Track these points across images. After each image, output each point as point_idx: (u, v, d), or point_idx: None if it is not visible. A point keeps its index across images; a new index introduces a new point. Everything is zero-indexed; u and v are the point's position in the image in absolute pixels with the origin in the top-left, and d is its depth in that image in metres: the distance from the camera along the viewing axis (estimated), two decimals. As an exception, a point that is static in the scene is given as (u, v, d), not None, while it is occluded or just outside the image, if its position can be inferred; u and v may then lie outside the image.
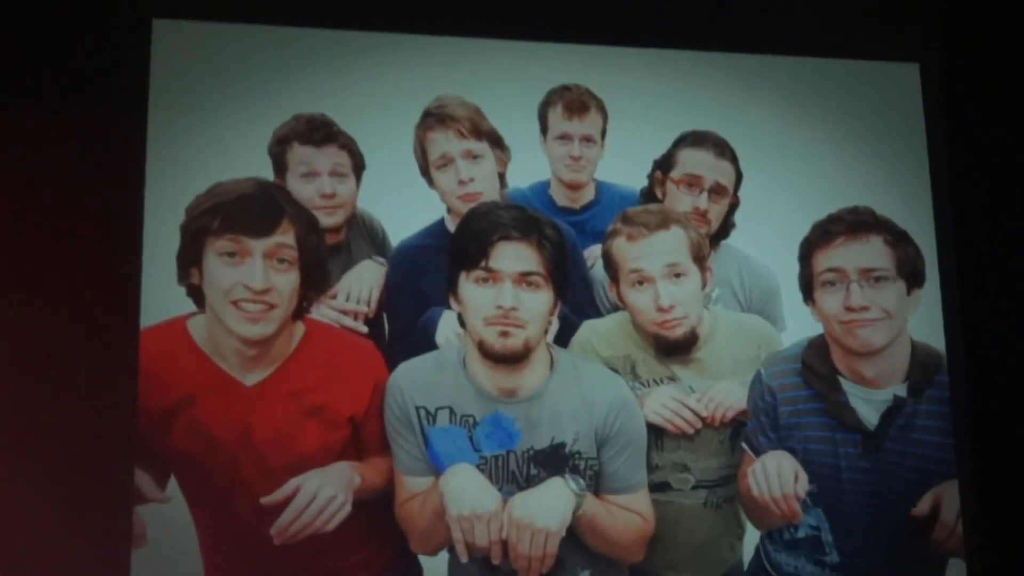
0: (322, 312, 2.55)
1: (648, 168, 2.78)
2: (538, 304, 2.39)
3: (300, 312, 2.43)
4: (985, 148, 2.99)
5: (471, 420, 2.44)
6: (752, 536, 2.64)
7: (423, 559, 2.52)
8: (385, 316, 2.65)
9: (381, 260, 2.67)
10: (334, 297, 2.59)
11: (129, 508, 2.40)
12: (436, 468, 2.42)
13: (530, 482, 2.43)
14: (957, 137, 2.93)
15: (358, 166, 2.66)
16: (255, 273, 2.34)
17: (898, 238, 2.56)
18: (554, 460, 2.44)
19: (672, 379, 2.58)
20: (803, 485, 2.49)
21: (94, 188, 2.66)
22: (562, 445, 2.44)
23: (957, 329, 2.76)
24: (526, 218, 2.41)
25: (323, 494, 2.35)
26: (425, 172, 2.68)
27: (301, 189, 2.58)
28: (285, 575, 2.42)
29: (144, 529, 2.41)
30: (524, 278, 2.37)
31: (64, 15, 2.73)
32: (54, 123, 2.70)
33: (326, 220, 2.57)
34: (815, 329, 2.58)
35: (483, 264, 2.37)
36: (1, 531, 2.52)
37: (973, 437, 2.70)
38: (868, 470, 2.52)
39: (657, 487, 2.55)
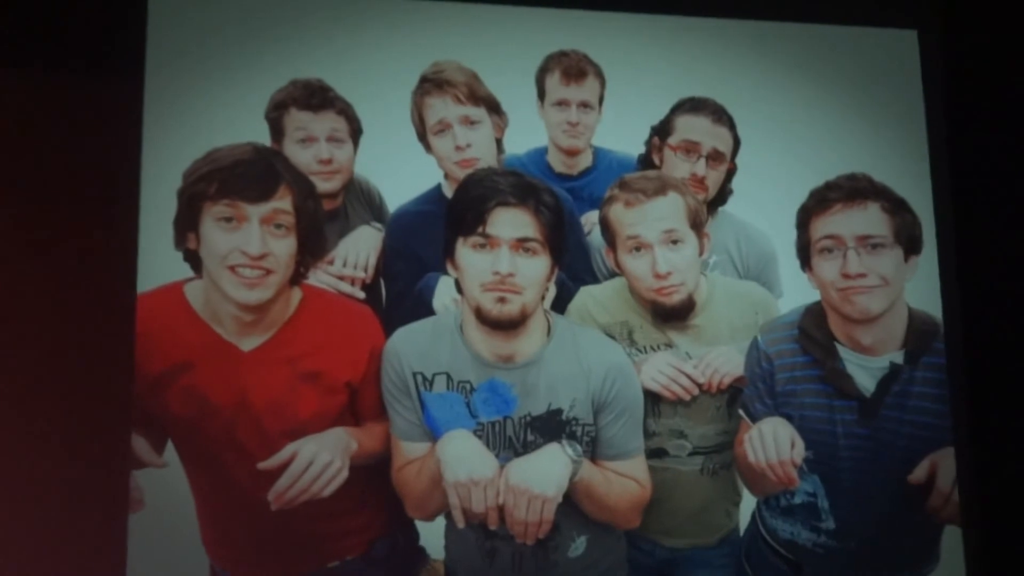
0: (319, 278, 2.55)
1: (646, 134, 2.78)
2: (535, 270, 2.38)
3: (297, 278, 2.42)
4: (982, 115, 2.99)
5: (468, 386, 2.44)
6: (748, 502, 2.65)
7: (420, 524, 2.54)
8: (382, 282, 2.65)
9: (378, 226, 2.66)
10: (331, 263, 2.59)
11: (126, 473, 2.41)
12: (433, 434, 2.42)
13: (527, 448, 2.43)
14: (954, 104, 2.92)
15: (355, 131, 2.65)
16: (252, 239, 2.33)
17: (896, 205, 2.54)
18: (551, 426, 2.44)
19: (669, 345, 2.58)
20: (799, 451, 2.49)
21: (91, 153, 2.66)
22: (559, 411, 2.44)
23: (954, 296, 2.76)
24: (523, 184, 2.40)
25: (320, 459, 2.35)
26: (422, 138, 2.67)
27: (298, 154, 2.58)
28: (282, 540, 2.43)
29: (141, 494, 2.42)
30: (521, 244, 2.36)
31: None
32: (51, 87, 2.69)
33: (323, 186, 2.56)
34: (812, 296, 2.57)
35: (480, 230, 2.36)
36: (-2, 496, 2.53)
37: (969, 404, 2.70)
38: (865, 437, 2.52)
39: (654, 453, 2.55)
